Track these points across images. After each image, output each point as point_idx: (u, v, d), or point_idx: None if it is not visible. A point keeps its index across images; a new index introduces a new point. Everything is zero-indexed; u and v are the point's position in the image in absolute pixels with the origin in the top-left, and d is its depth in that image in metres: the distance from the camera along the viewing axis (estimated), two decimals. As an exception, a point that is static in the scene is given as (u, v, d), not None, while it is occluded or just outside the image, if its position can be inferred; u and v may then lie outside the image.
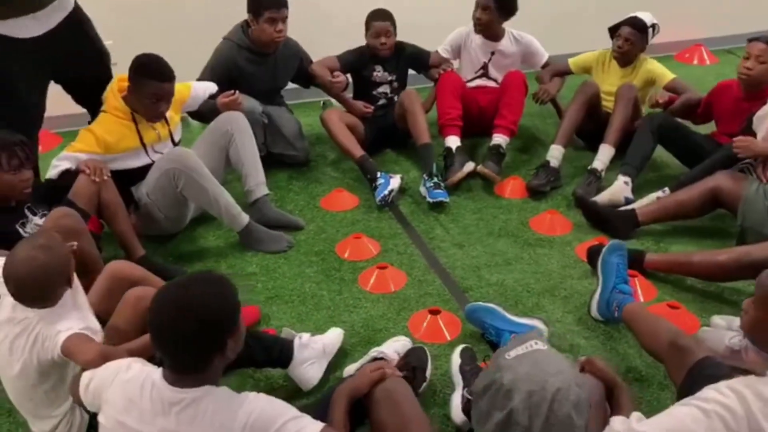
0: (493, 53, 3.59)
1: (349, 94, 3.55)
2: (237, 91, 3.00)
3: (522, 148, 3.58)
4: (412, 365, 2.00)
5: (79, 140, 2.65)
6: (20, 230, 2.30)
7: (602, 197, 2.99)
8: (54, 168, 2.58)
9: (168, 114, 2.80)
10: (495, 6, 3.44)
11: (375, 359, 2.02)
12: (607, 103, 3.30)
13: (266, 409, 1.45)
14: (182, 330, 1.40)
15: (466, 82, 3.62)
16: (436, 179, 3.08)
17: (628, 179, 3.02)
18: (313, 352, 2.13)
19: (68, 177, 2.54)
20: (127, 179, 2.75)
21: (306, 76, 3.45)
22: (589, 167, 3.13)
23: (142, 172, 2.75)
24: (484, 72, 3.63)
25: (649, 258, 2.59)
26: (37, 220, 2.35)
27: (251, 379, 2.16)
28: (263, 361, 2.07)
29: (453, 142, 3.27)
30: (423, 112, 3.29)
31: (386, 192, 3.04)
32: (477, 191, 3.20)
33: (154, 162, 2.74)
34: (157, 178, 2.67)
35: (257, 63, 3.21)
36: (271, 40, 3.13)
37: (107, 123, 2.68)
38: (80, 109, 2.92)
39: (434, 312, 2.38)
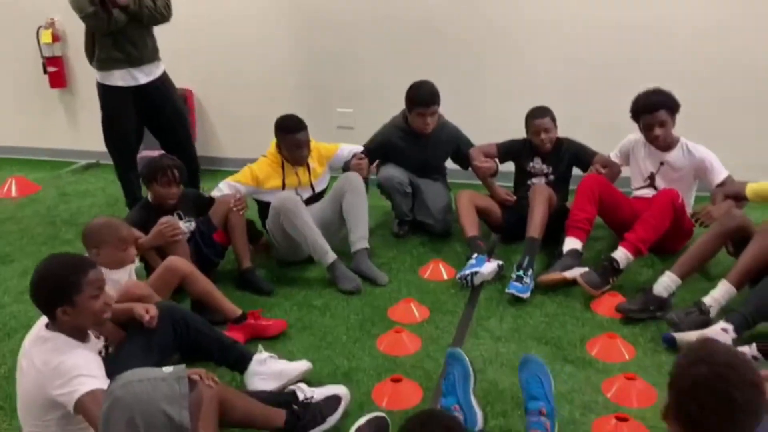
0: (661, 164, 3.28)
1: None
2: (365, 157, 3.49)
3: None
4: None
5: (240, 173, 3.44)
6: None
7: (689, 336, 2.50)
8: (217, 190, 3.40)
9: (312, 165, 3.45)
10: (669, 114, 3.17)
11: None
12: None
13: (76, 363, 1.86)
14: (30, 289, 1.97)
15: (634, 191, 3.40)
16: (520, 272, 2.99)
17: (729, 327, 2.46)
18: (267, 369, 2.44)
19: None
20: (268, 212, 3.44)
21: (464, 159, 3.70)
22: (698, 300, 2.65)
23: (279, 208, 3.41)
24: (651, 182, 3.32)
25: None
26: (182, 225, 3.11)
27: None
28: (219, 359, 2.46)
29: (569, 243, 3.11)
30: (544, 206, 3.20)
31: (468, 272, 3.09)
32: (572, 300, 2.98)
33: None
34: (270, 211, 3.30)
35: (409, 141, 3.62)
36: (421, 130, 3.55)
37: (262, 164, 3.43)
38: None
39: (396, 380, 2.43)
